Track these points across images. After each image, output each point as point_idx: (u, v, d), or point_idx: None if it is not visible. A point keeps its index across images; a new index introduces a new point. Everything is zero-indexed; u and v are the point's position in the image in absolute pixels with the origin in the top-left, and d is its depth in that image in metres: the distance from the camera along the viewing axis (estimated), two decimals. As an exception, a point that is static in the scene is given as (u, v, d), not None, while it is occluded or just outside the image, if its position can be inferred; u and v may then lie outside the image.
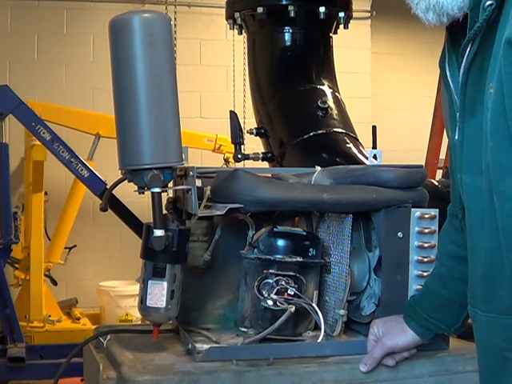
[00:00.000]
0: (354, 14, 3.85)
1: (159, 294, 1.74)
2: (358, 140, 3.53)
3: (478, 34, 1.32)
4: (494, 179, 1.28)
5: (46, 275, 5.19)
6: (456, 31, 1.43)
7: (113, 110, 1.72)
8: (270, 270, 1.79)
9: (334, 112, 3.56)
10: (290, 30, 3.64)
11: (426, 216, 1.83)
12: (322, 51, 3.77)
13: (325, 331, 1.79)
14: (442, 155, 4.60)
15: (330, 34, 3.77)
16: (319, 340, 1.79)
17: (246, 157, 3.51)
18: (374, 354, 1.72)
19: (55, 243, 5.34)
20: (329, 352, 1.77)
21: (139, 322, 4.78)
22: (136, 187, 1.73)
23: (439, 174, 4.67)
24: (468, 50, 1.35)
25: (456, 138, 1.42)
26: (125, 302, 5.44)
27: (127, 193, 2.22)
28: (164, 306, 1.74)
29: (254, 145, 4.35)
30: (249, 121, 4.72)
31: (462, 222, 1.53)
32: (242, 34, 3.87)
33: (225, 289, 1.98)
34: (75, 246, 5.59)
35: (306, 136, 3.44)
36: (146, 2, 6.18)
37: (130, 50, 1.66)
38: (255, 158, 3.64)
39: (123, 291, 5.51)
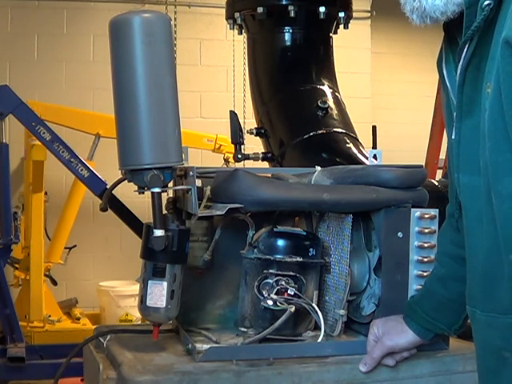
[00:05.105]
0: (354, 14, 3.86)
1: (159, 293, 1.74)
2: (358, 140, 3.53)
3: (475, 33, 1.32)
4: (492, 179, 1.28)
5: (46, 275, 5.19)
6: (453, 30, 1.43)
7: (113, 110, 1.72)
8: (270, 270, 1.79)
9: (334, 112, 3.56)
10: (290, 30, 3.64)
11: (426, 216, 1.83)
12: (322, 51, 3.77)
13: (325, 331, 1.79)
14: (442, 155, 4.60)
15: (330, 34, 3.77)
16: (319, 340, 1.79)
17: (246, 157, 3.51)
18: (373, 354, 1.72)
19: (55, 243, 5.35)
20: (329, 352, 1.77)
21: (139, 322, 4.78)
22: (136, 187, 1.73)
23: (439, 173, 4.68)
24: (465, 49, 1.35)
25: (453, 137, 1.43)
26: (125, 302, 5.44)
27: (127, 193, 2.22)
28: (164, 306, 1.74)
29: (254, 145, 4.36)
30: (249, 121, 4.72)
31: (458, 222, 1.54)
32: (242, 33, 3.87)
33: (225, 289, 1.98)
34: (75, 245, 5.59)
35: (306, 136, 3.44)
36: (146, 2, 6.18)
37: (129, 50, 1.66)
38: (255, 157, 3.64)
39: (123, 291, 5.51)
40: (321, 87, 3.65)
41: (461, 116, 1.39)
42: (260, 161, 3.72)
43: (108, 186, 3.87)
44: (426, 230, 1.83)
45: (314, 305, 1.80)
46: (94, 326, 2.35)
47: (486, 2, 1.28)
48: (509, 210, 1.26)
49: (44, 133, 4.08)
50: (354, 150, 3.42)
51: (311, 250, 1.83)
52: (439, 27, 1.46)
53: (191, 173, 1.78)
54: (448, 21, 1.39)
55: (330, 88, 3.67)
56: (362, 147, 3.48)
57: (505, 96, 1.23)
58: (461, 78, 1.37)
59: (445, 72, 1.47)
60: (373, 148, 3.69)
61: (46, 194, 5.14)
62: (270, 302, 1.76)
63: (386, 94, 7.32)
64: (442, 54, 1.48)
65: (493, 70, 1.26)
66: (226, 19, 3.82)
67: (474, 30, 1.31)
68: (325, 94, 3.61)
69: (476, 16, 1.30)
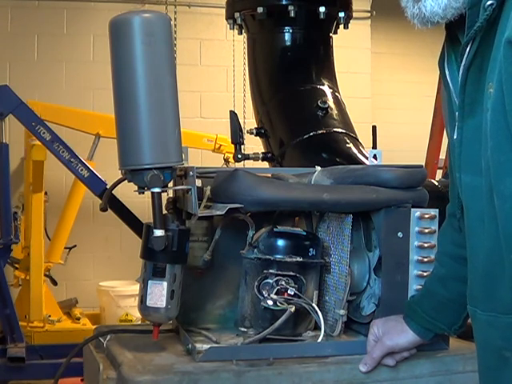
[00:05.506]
0: (354, 14, 3.86)
1: (159, 293, 1.74)
2: (358, 140, 3.53)
3: (478, 33, 1.32)
4: (494, 179, 1.28)
5: (46, 275, 5.19)
6: (455, 30, 1.43)
7: (113, 110, 1.72)
8: (270, 270, 1.79)
9: (334, 112, 3.56)
10: (290, 30, 3.64)
11: (426, 216, 1.83)
12: (322, 51, 3.77)
13: (325, 331, 1.79)
14: (442, 155, 4.60)
15: (330, 34, 3.77)
16: (319, 340, 1.79)
17: (246, 157, 3.51)
18: (373, 354, 1.72)
19: (55, 243, 5.35)
20: (329, 352, 1.77)
21: (139, 322, 4.78)
22: (136, 187, 1.73)
23: (439, 173, 4.67)
24: (468, 49, 1.35)
25: (455, 137, 1.43)
26: (125, 302, 5.44)
27: (127, 193, 2.22)
28: (164, 306, 1.74)
29: (254, 145, 4.36)
30: (249, 121, 4.72)
31: (460, 222, 1.54)
32: (242, 33, 3.87)
33: (225, 289, 1.98)
34: (75, 245, 5.59)
35: (306, 136, 3.44)
36: (146, 2, 6.17)
37: (129, 50, 1.66)
38: (255, 158, 3.64)
39: (123, 291, 5.51)
40: (321, 87, 3.65)
41: (463, 116, 1.39)
42: (260, 161, 3.72)
43: (108, 186, 3.87)
44: (426, 230, 1.83)
45: (314, 305, 1.80)
46: (94, 326, 2.35)
47: (488, 2, 1.28)
48: (510, 209, 1.26)
49: (44, 133, 4.08)
50: (354, 150, 3.42)
51: (311, 250, 1.83)
52: (440, 27, 1.46)
53: (191, 173, 1.78)
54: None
55: (330, 88, 3.67)
56: (362, 147, 3.48)
57: (507, 96, 1.23)
58: (463, 78, 1.37)
59: (447, 72, 1.47)
60: (373, 148, 3.69)
61: (46, 194, 5.14)
62: (270, 302, 1.76)
63: (386, 93, 7.32)
64: (444, 53, 1.48)
65: (495, 70, 1.26)
66: (226, 19, 3.82)
67: (476, 30, 1.31)
68: (325, 94, 3.61)
69: (478, 16, 1.30)
